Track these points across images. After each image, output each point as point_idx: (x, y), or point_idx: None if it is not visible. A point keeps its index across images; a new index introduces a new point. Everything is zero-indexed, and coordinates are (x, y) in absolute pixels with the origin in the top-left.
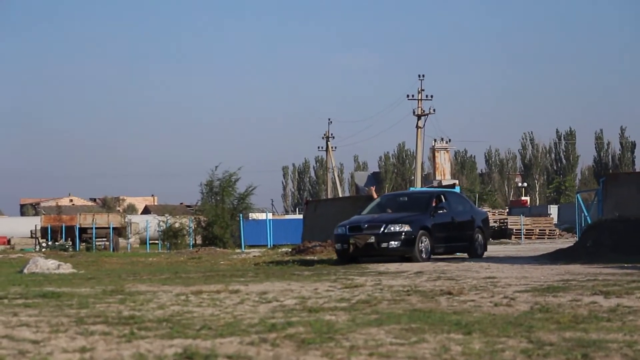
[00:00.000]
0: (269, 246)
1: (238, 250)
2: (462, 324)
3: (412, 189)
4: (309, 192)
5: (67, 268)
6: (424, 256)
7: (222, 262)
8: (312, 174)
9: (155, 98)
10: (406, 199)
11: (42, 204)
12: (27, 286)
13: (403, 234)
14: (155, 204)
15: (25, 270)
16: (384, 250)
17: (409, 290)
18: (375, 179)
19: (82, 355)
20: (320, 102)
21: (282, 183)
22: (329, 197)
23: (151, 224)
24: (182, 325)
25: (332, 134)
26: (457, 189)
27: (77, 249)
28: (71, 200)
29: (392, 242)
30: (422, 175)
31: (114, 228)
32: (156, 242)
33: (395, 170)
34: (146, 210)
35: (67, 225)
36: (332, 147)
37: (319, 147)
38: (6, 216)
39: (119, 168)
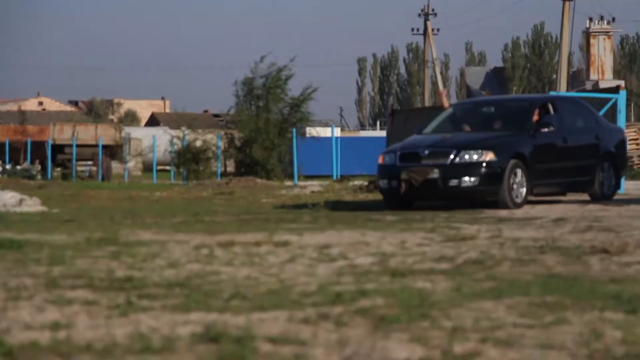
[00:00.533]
0: (334, 177)
1: (289, 183)
2: (624, 297)
3: (552, 93)
4: (396, 96)
5: (33, 204)
6: (517, 200)
7: (264, 200)
8: (402, 69)
9: None
10: (493, 109)
11: None
12: None
13: (484, 165)
14: (167, 111)
15: None
16: (452, 190)
17: (544, 246)
18: (497, 77)
19: (54, 334)
20: None
21: (357, 83)
22: (427, 104)
23: (160, 142)
24: (204, 293)
25: (433, 10)
26: (623, 95)
27: (49, 177)
28: (41, 104)
29: (466, 179)
30: (568, 73)
31: (104, 147)
32: (167, 168)
33: (529, 66)
34: (153, 121)
35: (34, 141)
36: (433, 30)
37: (413, 30)
38: None
39: (112, 57)
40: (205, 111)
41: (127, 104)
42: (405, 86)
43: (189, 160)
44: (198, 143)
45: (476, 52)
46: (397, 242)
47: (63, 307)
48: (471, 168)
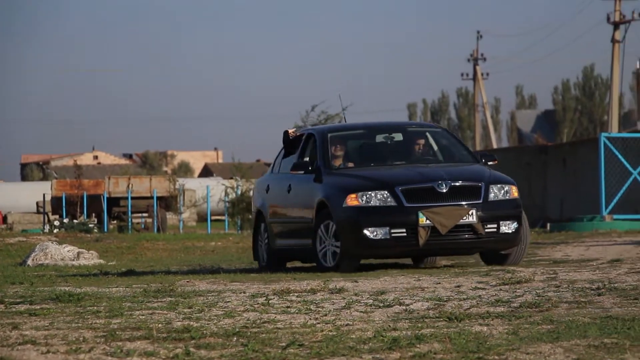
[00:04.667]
0: None
1: None
2: None
3: (604, 135)
4: None
5: (90, 258)
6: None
7: None
8: (453, 114)
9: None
10: (400, 137)
11: (54, 163)
12: (33, 285)
13: (516, 204)
14: (220, 161)
15: (30, 262)
16: (486, 239)
17: (600, 288)
18: (548, 120)
19: None
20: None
21: None
22: (478, 148)
23: (214, 192)
24: (261, 341)
25: (482, 55)
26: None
27: (106, 230)
28: (96, 158)
29: (507, 223)
30: (619, 114)
31: (159, 198)
32: (222, 218)
33: (579, 107)
34: (207, 172)
35: (90, 195)
36: (482, 75)
37: (462, 75)
38: (0, 181)
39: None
40: (258, 160)
41: (181, 156)
42: (457, 130)
43: (242, 209)
44: (251, 192)
45: (526, 95)
46: (452, 286)
47: (122, 359)
48: (507, 208)
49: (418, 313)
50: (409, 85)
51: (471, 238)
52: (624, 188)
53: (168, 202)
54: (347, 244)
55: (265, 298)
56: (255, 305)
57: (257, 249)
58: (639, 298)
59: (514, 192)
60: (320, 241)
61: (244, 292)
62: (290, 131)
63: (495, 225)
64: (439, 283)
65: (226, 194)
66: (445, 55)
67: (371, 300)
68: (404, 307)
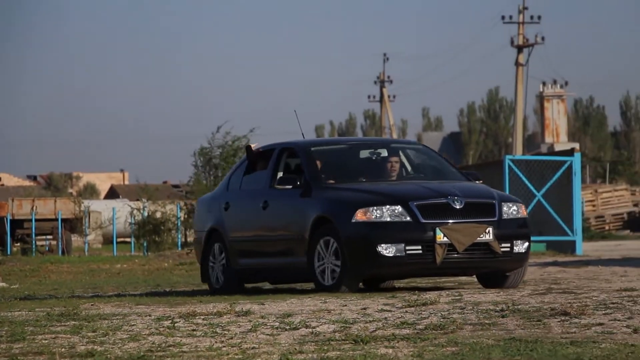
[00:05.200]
0: None
1: None
2: (585, 359)
3: (508, 157)
4: None
5: None
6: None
7: None
8: (360, 136)
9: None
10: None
11: None
12: None
13: (526, 223)
14: (126, 183)
15: None
16: (502, 258)
17: (504, 310)
18: (454, 142)
19: None
20: (372, 29)
21: None
22: None
23: (120, 214)
24: None
25: (389, 77)
26: (577, 158)
27: (9, 252)
28: None
29: (518, 243)
30: (524, 136)
31: (63, 220)
32: (128, 240)
33: (484, 130)
34: (113, 193)
35: None
36: (389, 97)
37: (369, 97)
38: None
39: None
40: (165, 182)
41: (86, 177)
42: None
43: (149, 231)
44: (158, 214)
45: (432, 117)
46: (358, 309)
47: None
48: (519, 227)
49: (324, 336)
50: (316, 108)
51: (487, 257)
52: (528, 210)
53: (73, 224)
54: (355, 262)
55: (170, 321)
56: (161, 329)
57: (207, 271)
58: (542, 320)
59: (524, 211)
60: (318, 258)
61: (150, 315)
62: (252, 146)
63: (509, 244)
64: (346, 305)
65: (132, 216)
66: (352, 77)
67: (277, 323)
68: (310, 330)
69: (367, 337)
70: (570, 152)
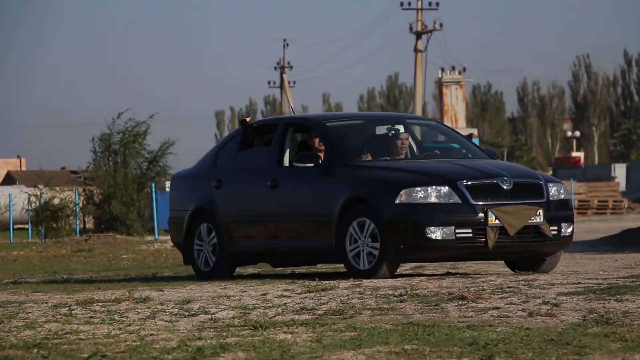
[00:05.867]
0: None
1: (149, 238)
2: (480, 343)
3: None
4: None
5: None
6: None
7: (124, 256)
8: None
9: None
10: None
11: None
12: None
13: (570, 207)
14: (23, 169)
15: None
16: (550, 242)
17: (403, 294)
18: None
19: None
20: (272, 14)
21: (216, 136)
22: None
23: (17, 200)
24: (62, 353)
25: (289, 63)
26: (476, 143)
27: None
28: None
29: (565, 226)
30: None
31: None
32: (25, 226)
33: None
34: (9, 180)
35: None
36: (289, 82)
37: (269, 83)
38: None
39: None
40: (63, 168)
41: None
42: None
43: (47, 218)
44: (56, 200)
45: (333, 103)
46: (258, 295)
47: None
48: (565, 209)
49: (223, 322)
50: (216, 93)
51: (537, 240)
52: None
53: None
54: (398, 245)
55: (68, 308)
56: (57, 316)
57: (191, 253)
58: (439, 304)
59: (566, 192)
60: (350, 241)
61: (46, 303)
62: (247, 119)
63: (556, 227)
64: (245, 291)
65: (29, 203)
66: (253, 62)
67: (176, 310)
68: (209, 316)
69: (266, 322)
70: (468, 138)
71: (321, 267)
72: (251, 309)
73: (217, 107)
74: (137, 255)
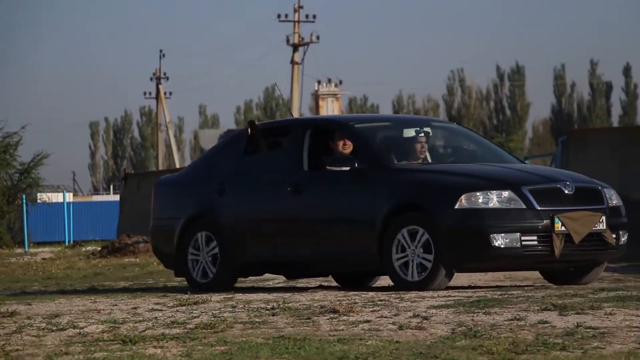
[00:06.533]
0: (67, 243)
1: (19, 251)
2: (350, 357)
3: None
4: (130, 160)
5: None
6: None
7: None
8: (136, 132)
9: None
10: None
11: None
12: None
13: (625, 213)
14: None
15: None
16: (612, 250)
17: (275, 308)
18: None
19: None
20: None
21: (90, 147)
22: (161, 167)
23: None
24: None
25: (165, 74)
26: None
27: None
28: None
29: (623, 233)
30: None
31: None
32: None
33: None
34: None
35: None
36: (165, 94)
37: (145, 94)
38: None
39: None
40: None
41: None
42: (140, 150)
43: None
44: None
45: (209, 115)
46: (128, 309)
47: None
48: (623, 216)
49: (92, 336)
50: (91, 103)
51: (599, 248)
52: None
53: None
54: (459, 254)
55: None
56: None
57: (186, 264)
58: (311, 317)
59: (619, 199)
60: (397, 250)
61: None
62: (256, 121)
63: (616, 234)
64: (116, 305)
65: None
66: (129, 73)
67: (44, 324)
68: (78, 331)
69: (135, 337)
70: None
71: (325, 280)
72: (121, 323)
73: (92, 118)
74: (5, 268)
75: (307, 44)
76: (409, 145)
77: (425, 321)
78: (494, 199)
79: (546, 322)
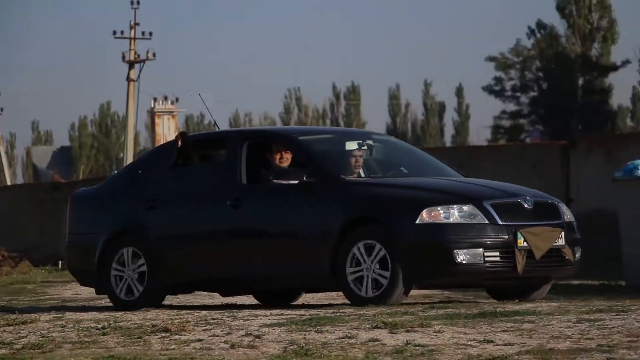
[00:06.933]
0: None
1: None
2: None
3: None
4: None
5: None
6: None
7: None
8: None
9: None
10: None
11: None
12: None
13: (576, 228)
14: None
15: None
16: (569, 266)
17: (105, 327)
18: (65, 156)
19: None
20: None
21: None
22: None
23: None
24: None
25: None
26: None
27: None
28: None
29: (578, 249)
30: (135, 151)
31: None
32: None
33: (96, 145)
34: None
35: None
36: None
37: None
38: None
39: None
40: None
41: None
42: None
43: None
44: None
45: (42, 131)
46: None
47: None
48: (577, 232)
49: None
50: None
51: (558, 264)
52: None
53: None
54: (420, 270)
55: None
56: None
57: (108, 281)
58: (142, 337)
59: (572, 215)
60: (351, 264)
61: None
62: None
63: (572, 250)
64: None
65: None
66: None
67: None
68: None
69: None
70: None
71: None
72: None
73: None
74: None
75: (143, 61)
76: (340, 158)
77: (257, 340)
78: (455, 214)
79: (377, 339)
